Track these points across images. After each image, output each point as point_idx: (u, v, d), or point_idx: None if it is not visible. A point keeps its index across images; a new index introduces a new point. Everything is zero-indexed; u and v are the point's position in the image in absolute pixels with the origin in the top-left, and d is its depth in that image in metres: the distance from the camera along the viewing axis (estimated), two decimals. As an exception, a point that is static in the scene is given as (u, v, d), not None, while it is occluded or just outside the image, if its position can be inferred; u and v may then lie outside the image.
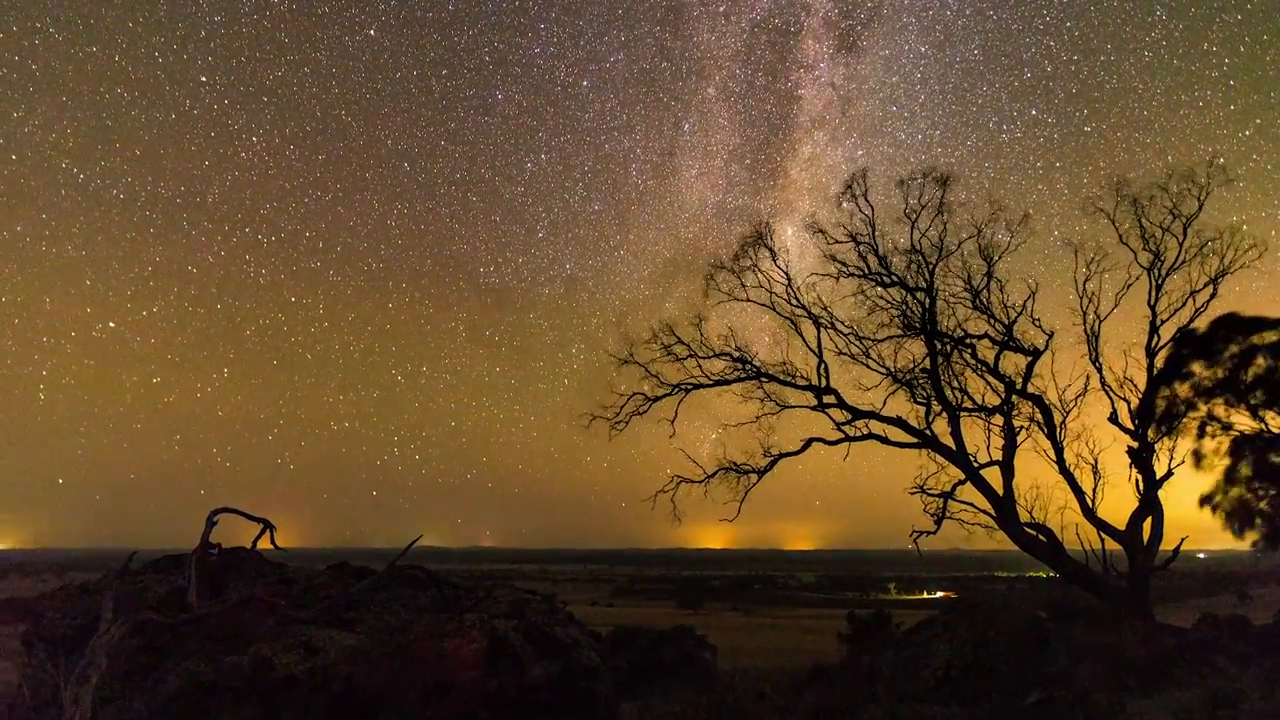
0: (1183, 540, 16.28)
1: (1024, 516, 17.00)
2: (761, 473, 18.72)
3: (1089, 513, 16.74)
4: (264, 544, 15.82)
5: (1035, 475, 17.66)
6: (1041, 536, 16.89)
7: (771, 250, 18.28)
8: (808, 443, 18.58)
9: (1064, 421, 17.27)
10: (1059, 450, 17.14)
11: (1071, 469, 17.03)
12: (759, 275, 18.46)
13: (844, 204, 17.90)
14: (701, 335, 18.69)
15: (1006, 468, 17.36)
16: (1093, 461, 17.04)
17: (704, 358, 18.76)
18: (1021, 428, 17.57)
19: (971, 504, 17.64)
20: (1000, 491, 17.19)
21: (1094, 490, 16.93)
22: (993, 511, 17.28)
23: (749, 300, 18.69)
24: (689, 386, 19.03)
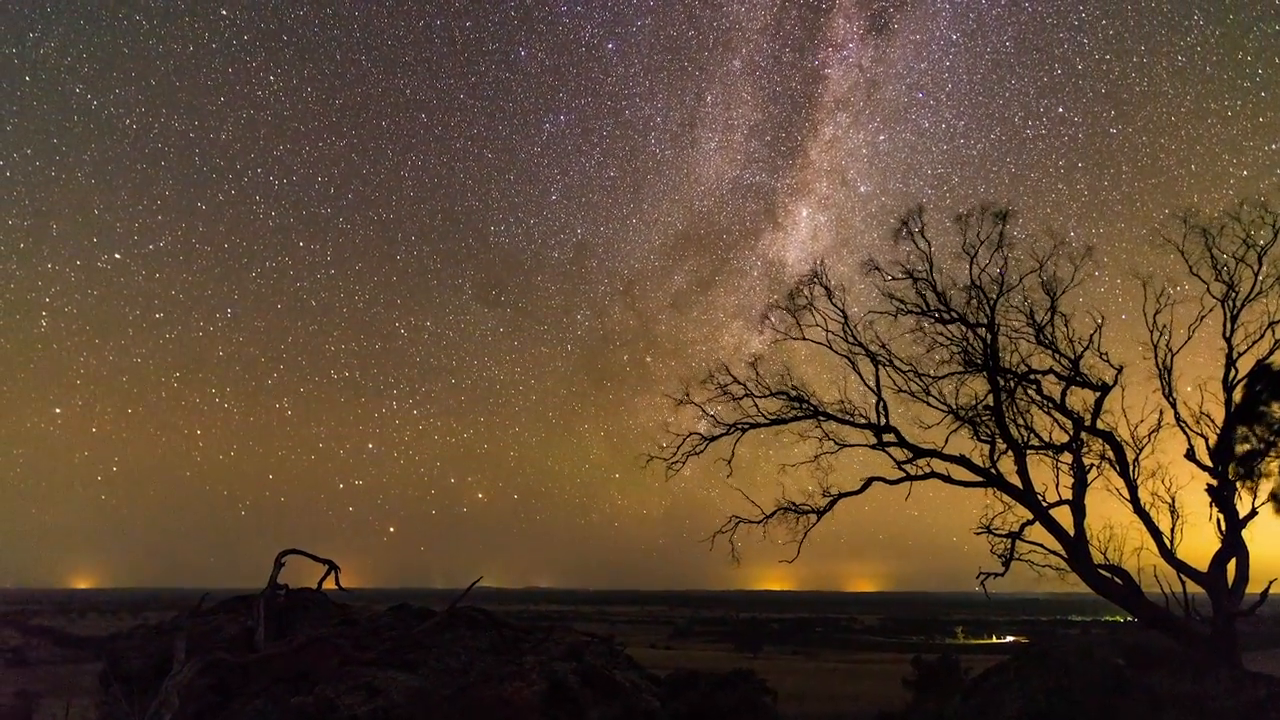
0: (1271, 583, 15.46)
1: (1097, 558, 16.40)
2: (821, 513, 18.49)
3: (1167, 554, 16.05)
4: (328, 584, 16.21)
5: (1108, 515, 17.03)
6: (1117, 579, 16.25)
7: (827, 288, 18.23)
8: (868, 482, 18.30)
9: (1137, 459, 16.67)
10: (1133, 489, 16.54)
11: (1147, 508, 16.40)
12: (815, 314, 18.41)
13: (900, 242, 17.74)
14: (757, 374, 18.69)
15: (1077, 507, 16.80)
16: (1170, 500, 16.38)
17: (760, 397, 18.72)
18: (1092, 465, 17.02)
19: (1041, 545, 17.10)
20: (1071, 532, 16.64)
21: (1172, 530, 16.23)
22: (1064, 553, 16.72)
23: (805, 339, 18.66)
24: (745, 426, 18.97)
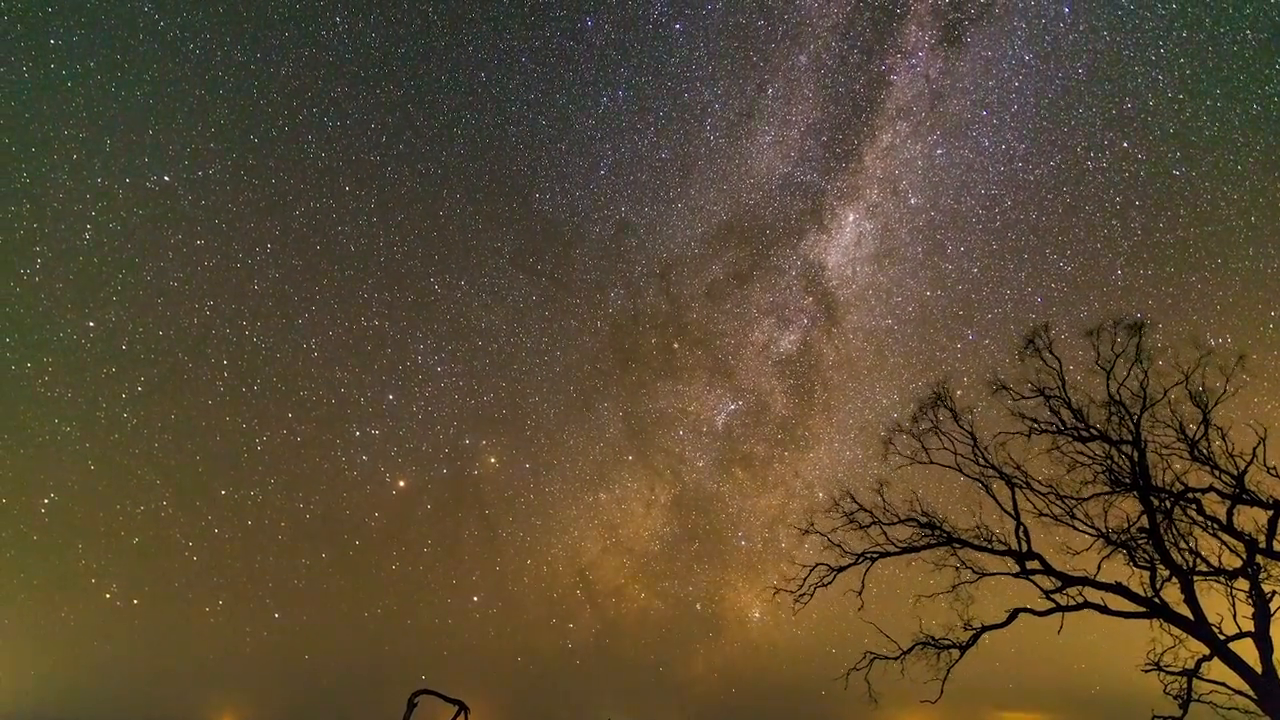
0: None
1: (1294, 699, 14.55)
2: (964, 647, 17.33)
3: (1380, 694, 14.10)
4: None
5: (1300, 648, 15.18)
6: (1323, 723, 14.33)
7: (953, 410, 17.60)
8: (1014, 614, 17.09)
9: (1328, 583, 14.95)
10: (1326, 618, 14.77)
11: (1346, 639, 14.58)
12: (941, 437, 17.74)
13: (1026, 358, 17.02)
14: (884, 501, 18.02)
15: (1262, 639, 15.09)
16: (1373, 630, 14.54)
17: (888, 524, 17.98)
18: (1274, 592, 15.35)
19: (1224, 684, 15.36)
20: (1258, 668, 14.89)
21: (1383, 665, 14.32)
22: (1252, 693, 14.94)
23: (932, 463, 17.93)
24: (874, 555, 18.18)
